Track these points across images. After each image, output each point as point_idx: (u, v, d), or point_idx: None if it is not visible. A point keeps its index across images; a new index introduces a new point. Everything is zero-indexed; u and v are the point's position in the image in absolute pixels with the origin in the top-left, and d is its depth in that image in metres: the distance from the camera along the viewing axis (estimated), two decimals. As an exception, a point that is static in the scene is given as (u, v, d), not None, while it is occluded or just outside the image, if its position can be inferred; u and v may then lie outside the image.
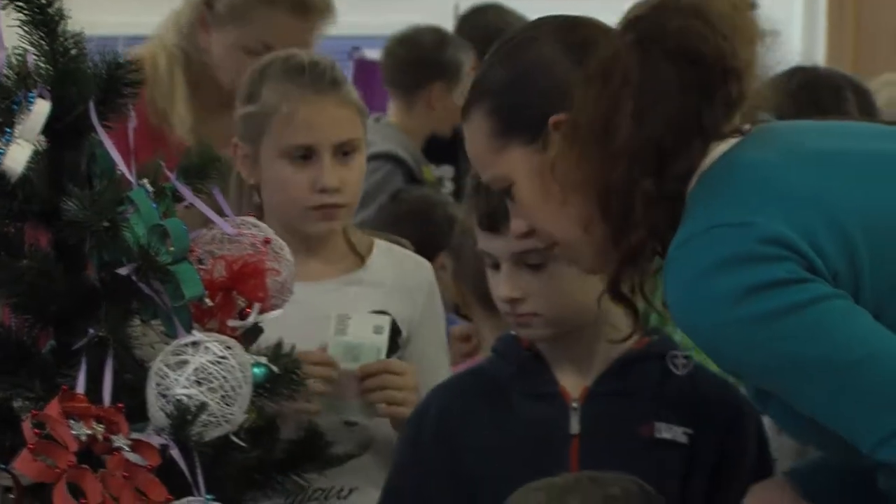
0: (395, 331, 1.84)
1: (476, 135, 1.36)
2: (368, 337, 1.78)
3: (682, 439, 1.50)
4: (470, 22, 3.64)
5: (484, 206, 1.55)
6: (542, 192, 1.29)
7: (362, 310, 1.83)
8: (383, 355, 1.77)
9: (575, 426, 1.52)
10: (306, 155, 1.80)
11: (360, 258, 1.89)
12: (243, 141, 1.86)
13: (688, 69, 1.21)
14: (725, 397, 1.55)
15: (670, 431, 1.50)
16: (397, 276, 1.89)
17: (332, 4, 2.37)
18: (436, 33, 3.46)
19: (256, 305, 1.36)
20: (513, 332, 1.60)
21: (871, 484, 1.27)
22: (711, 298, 1.16)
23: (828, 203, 1.18)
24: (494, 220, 1.53)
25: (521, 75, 1.33)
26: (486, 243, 1.56)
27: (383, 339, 1.76)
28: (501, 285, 1.52)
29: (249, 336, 1.41)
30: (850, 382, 1.13)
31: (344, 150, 1.82)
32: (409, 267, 1.93)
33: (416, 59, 3.37)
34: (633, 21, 1.26)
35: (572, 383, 1.54)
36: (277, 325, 1.55)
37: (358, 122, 1.85)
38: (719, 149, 1.24)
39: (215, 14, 2.25)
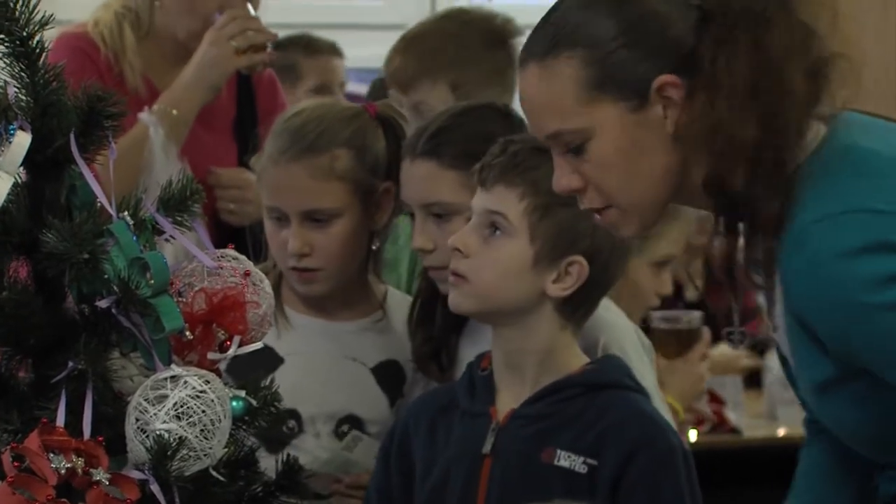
0: (399, 378, 1.88)
1: (559, 82, 1.29)
2: (369, 461, 1.82)
3: (582, 469, 1.53)
4: None
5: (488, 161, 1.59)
6: (625, 151, 1.28)
7: (373, 357, 1.87)
8: None
9: (488, 446, 1.57)
10: (279, 217, 1.81)
11: (379, 306, 1.90)
12: None
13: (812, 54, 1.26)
14: (643, 430, 1.57)
15: (569, 460, 1.53)
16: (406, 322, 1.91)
17: None
18: None
19: (237, 338, 1.35)
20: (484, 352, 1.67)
21: None
22: (854, 280, 1.20)
23: None
24: (484, 176, 1.58)
25: (631, 28, 1.27)
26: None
27: None
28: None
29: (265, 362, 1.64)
30: None
31: (314, 217, 1.80)
32: None
33: None
34: None
35: (506, 405, 1.59)
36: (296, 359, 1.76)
37: (337, 190, 1.81)
38: (816, 131, 1.28)
39: None
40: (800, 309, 1.28)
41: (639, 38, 1.26)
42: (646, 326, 2.06)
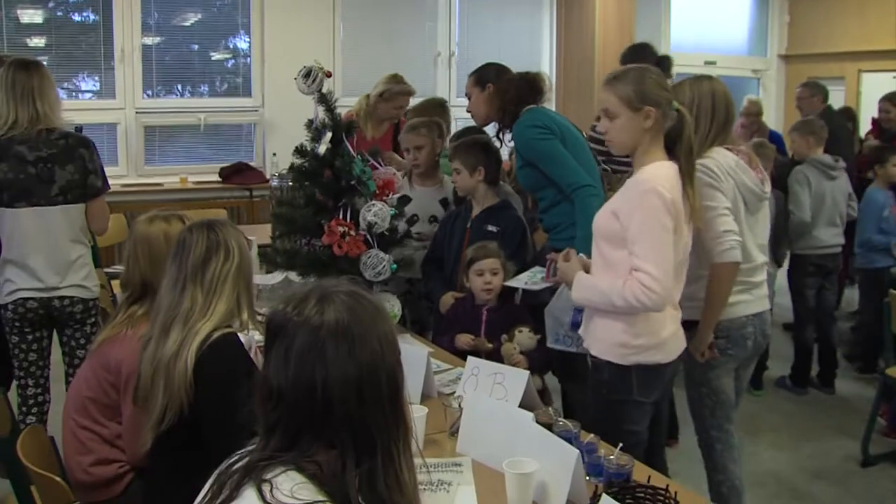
0: (446, 203, 4.57)
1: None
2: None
3: (495, 230, 4.10)
4: None
5: (453, 148, 4.23)
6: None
7: (439, 196, 4.58)
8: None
9: (468, 224, 4.28)
10: (407, 149, 4.58)
11: (441, 182, 4.58)
12: None
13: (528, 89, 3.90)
14: (513, 220, 4.12)
15: (492, 227, 4.12)
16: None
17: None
18: None
19: (392, 193, 3.90)
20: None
21: None
22: (529, 133, 3.86)
23: (557, 121, 3.87)
24: (453, 154, 4.24)
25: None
26: None
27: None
28: None
29: (403, 201, 3.99)
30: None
31: (417, 147, 4.56)
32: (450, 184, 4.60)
33: None
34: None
35: (475, 212, 4.19)
36: (414, 199, 4.29)
37: (424, 139, 4.56)
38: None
39: (384, 98, 5.25)
40: (518, 148, 3.88)
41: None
42: None
